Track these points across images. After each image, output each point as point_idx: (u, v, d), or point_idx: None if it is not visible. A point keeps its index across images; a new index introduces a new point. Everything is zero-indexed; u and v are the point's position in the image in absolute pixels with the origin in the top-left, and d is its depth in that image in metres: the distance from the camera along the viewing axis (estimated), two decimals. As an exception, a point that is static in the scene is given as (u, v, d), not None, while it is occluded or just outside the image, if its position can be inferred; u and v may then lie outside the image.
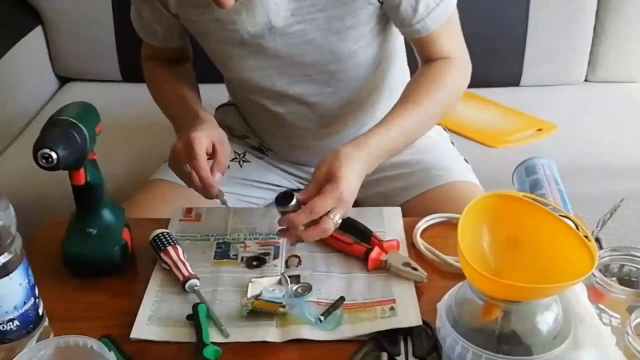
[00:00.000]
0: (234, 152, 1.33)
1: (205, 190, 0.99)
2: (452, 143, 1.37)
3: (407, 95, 1.10)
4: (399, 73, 1.30)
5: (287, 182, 1.35)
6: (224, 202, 1.02)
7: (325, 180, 0.94)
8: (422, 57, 1.15)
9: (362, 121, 1.23)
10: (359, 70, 1.17)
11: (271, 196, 1.34)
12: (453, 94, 1.14)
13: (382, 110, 1.24)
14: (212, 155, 1.01)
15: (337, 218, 0.92)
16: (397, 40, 1.23)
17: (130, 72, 1.98)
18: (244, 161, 1.32)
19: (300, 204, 0.93)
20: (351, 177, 0.94)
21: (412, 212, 1.12)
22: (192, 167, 0.98)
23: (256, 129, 1.32)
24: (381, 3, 1.08)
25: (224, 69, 1.20)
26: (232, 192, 1.24)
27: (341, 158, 0.95)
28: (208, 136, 1.00)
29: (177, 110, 1.16)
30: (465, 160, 1.33)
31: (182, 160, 1.00)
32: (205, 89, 1.33)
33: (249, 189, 1.29)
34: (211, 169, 0.99)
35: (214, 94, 1.38)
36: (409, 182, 1.24)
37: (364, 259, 0.96)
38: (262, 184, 1.32)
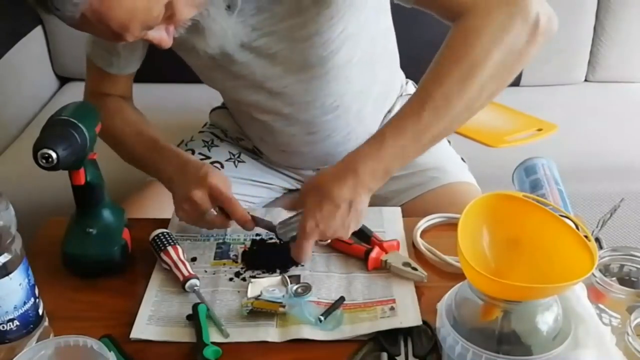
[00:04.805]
0: (229, 152, 1.33)
1: (246, 226, 1.00)
2: (449, 142, 1.36)
3: (422, 81, 0.91)
4: (388, 77, 1.27)
5: (283, 182, 1.35)
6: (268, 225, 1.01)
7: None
8: (445, 19, 0.93)
9: (350, 126, 1.21)
10: (336, 76, 1.12)
11: (267, 194, 1.34)
12: (487, 60, 0.86)
13: (370, 116, 1.23)
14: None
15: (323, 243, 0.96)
16: (380, 42, 1.19)
17: (130, 72, 1.98)
18: (239, 161, 1.32)
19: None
20: (325, 208, 0.89)
21: (409, 214, 1.11)
22: (230, 211, 0.99)
23: (248, 135, 1.32)
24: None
25: (207, 81, 1.19)
26: None
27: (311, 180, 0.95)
28: (222, 178, 1.01)
29: (153, 157, 1.08)
30: (462, 160, 1.33)
31: (205, 206, 0.98)
32: (201, 90, 1.33)
33: (244, 187, 1.29)
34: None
35: (209, 95, 1.38)
36: (406, 184, 1.24)
37: (364, 259, 0.96)
38: (257, 183, 1.32)
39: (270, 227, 1.00)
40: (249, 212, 1.00)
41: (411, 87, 1.37)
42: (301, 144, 1.23)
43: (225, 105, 1.38)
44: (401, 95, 1.33)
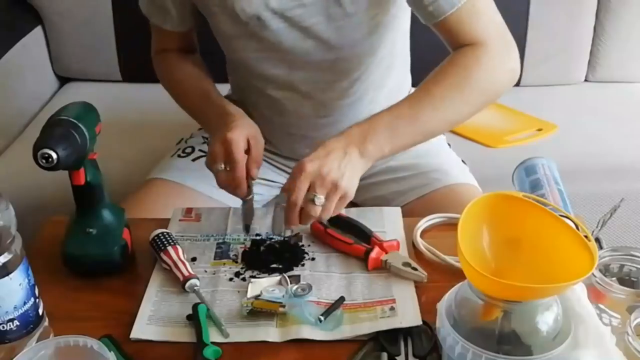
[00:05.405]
0: None
1: (238, 190, 1.02)
2: (449, 145, 1.37)
3: (420, 84, 1.04)
4: (401, 76, 1.29)
5: (283, 179, 1.35)
6: (247, 210, 1.04)
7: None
8: (449, 45, 1.07)
9: (360, 117, 1.19)
10: (359, 63, 1.16)
11: (268, 192, 1.34)
12: (474, 82, 1.02)
13: (380, 109, 1.24)
14: (247, 151, 1.03)
15: (320, 197, 0.92)
16: (401, 40, 1.23)
17: (130, 72, 1.98)
18: None
19: None
20: (320, 152, 0.94)
21: (411, 215, 1.11)
22: (231, 169, 1.01)
23: (256, 119, 1.32)
24: None
25: (227, 48, 1.21)
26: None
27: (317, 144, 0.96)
28: (244, 135, 1.02)
29: (203, 107, 1.17)
30: (463, 162, 1.33)
31: (218, 159, 1.02)
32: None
33: None
34: (247, 165, 1.02)
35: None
36: (408, 185, 1.24)
37: (364, 259, 0.96)
38: (259, 180, 1.32)
39: (248, 217, 1.03)
40: (252, 192, 1.02)
41: None
42: (309, 127, 1.24)
43: (231, 97, 1.38)
44: None
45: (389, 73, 1.23)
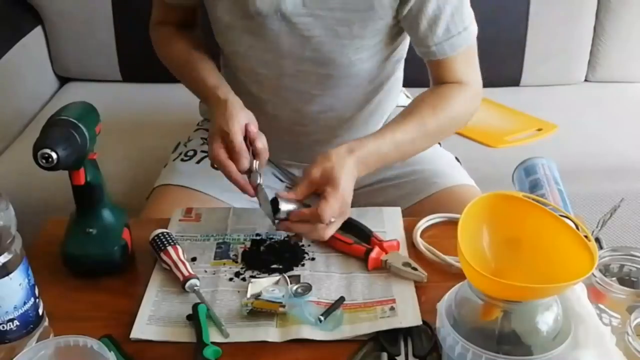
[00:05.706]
0: None
1: (245, 193, 1.03)
2: (439, 144, 1.36)
3: (409, 109, 1.11)
4: (387, 102, 1.30)
5: (277, 182, 1.34)
6: (264, 199, 1.02)
7: (320, 181, 0.97)
8: (434, 78, 1.15)
9: (336, 132, 1.24)
10: (346, 84, 1.17)
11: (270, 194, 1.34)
12: (457, 117, 1.14)
13: (356, 128, 1.26)
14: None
15: (337, 222, 0.96)
16: (393, 67, 1.23)
17: (130, 72, 1.98)
18: None
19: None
20: (346, 179, 0.97)
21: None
22: (230, 149, 1.02)
23: None
24: (397, 20, 1.09)
25: (222, 38, 1.19)
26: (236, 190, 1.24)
27: (334, 160, 0.98)
28: (241, 125, 1.02)
29: (194, 88, 1.18)
30: (456, 159, 1.33)
31: (221, 155, 1.02)
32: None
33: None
34: (253, 143, 1.03)
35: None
36: (408, 190, 1.24)
37: (364, 259, 0.96)
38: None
39: (265, 207, 1.01)
40: (259, 182, 1.01)
41: (403, 97, 1.38)
42: (284, 131, 1.24)
43: None
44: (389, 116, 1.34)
45: (373, 96, 1.24)
